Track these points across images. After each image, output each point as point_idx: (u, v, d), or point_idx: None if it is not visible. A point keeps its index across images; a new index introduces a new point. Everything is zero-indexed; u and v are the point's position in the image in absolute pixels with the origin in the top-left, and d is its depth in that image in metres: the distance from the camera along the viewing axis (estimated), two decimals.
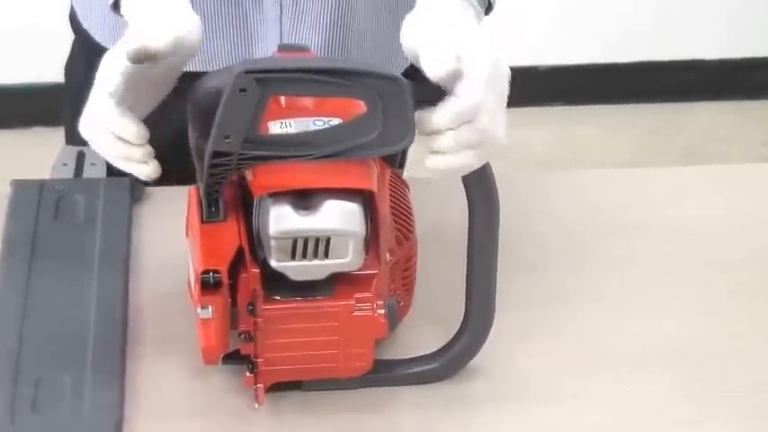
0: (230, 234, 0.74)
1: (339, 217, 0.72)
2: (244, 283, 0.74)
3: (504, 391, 0.81)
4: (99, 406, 0.77)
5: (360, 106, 0.70)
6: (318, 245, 0.73)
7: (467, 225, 0.76)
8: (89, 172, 0.99)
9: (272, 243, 0.73)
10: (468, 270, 0.78)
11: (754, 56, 2.50)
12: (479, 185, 0.74)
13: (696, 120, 2.49)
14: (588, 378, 0.83)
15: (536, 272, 0.86)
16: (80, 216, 0.93)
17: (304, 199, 0.73)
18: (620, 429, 0.79)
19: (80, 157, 0.99)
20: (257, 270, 0.74)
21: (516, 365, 0.83)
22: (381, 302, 0.76)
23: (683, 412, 0.80)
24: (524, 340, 0.85)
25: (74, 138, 1.10)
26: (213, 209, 0.75)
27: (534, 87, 2.29)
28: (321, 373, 0.78)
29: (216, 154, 0.70)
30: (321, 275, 0.74)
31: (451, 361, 0.81)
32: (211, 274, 0.72)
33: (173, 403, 0.80)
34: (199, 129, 0.73)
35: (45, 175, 0.99)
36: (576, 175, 1.11)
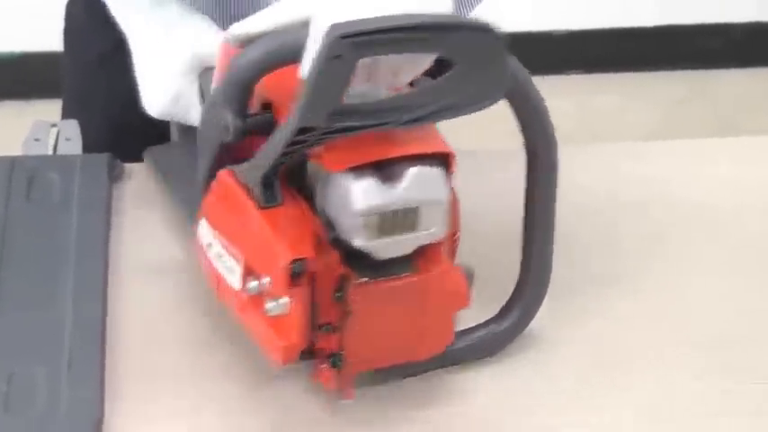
0: (299, 218, 0.71)
1: (426, 185, 0.70)
2: (326, 270, 0.71)
3: (533, 377, 0.80)
4: (76, 403, 0.74)
5: (448, 62, 0.66)
6: (407, 217, 0.70)
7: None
8: (63, 148, 0.96)
9: (360, 221, 0.69)
10: (526, 216, 0.77)
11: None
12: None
13: (725, 89, 2.47)
14: (616, 367, 0.81)
15: (558, 253, 0.84)
16: (55, 196, 0.91)
17: (383, 170, 0.69)
18: (658, 416, 0.78)
19: (54, 132, 0.98)
20: (337, 253, 0.70)
21: (544, 351, 0.82)
22: (461, 271, 0.74)
23: (715, 403, 0.78)
24: (551, 326, 0.83)
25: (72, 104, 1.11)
26: (269, 193, 0.72)
27: (550, 54, 2.27)
28: (402, 355, 0.75)
29: (299, 131, 0.67)
30: (409, 250, 0.71)
31: (516, 322, 0.80)
32: (297, 263, 0.69)
33: (157, 402, 0.78)
34: (236, 107, 0.71)
35: (17, 152, 0.97)
36: (600, 148, 1.09)
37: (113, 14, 0.92)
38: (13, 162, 0.94)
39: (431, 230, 0.71)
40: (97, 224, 0.89)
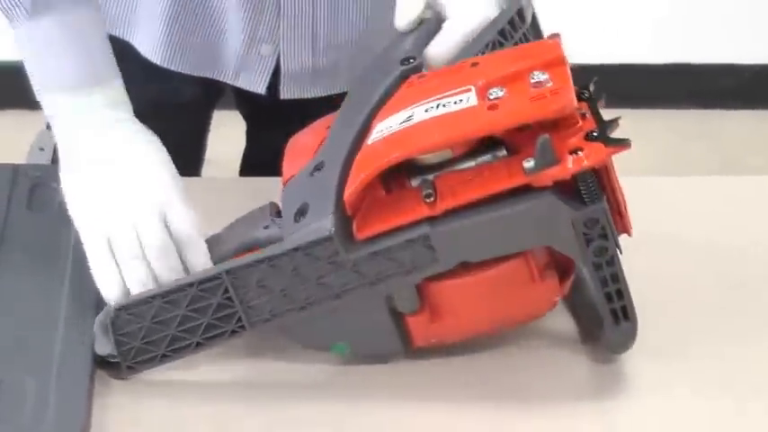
0: None
1: None
2: None
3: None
4: (64, 413, 0.75)
5: None
6: None
7: None
8: None
9: None
10: None
11: None
12: None
13: (732, 129, 2.47)
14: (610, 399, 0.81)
15: None
16: (55, 206, 0.91)
17: None
18: None
19: None
20: None
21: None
22: None
23: None
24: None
25: None
26: None
27: None
28: None
29: None
30: None
31: None
32: None
33: (145, 414, 0.78)
34: None
35: (21, 161, 0.98)
36: None
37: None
38: (16, 170, 0.95)
39: None
40: None
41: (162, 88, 1.03)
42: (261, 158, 0.97)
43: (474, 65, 0.80)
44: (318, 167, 0.80)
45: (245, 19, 0.99)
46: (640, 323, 0.79)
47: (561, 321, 0.85)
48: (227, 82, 1.04)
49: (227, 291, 0.77)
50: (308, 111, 0.90)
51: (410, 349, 0.81)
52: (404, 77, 0.82)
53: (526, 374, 0.82)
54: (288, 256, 0.76)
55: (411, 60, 0.82)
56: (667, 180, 1.08)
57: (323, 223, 0.75)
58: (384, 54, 0.86)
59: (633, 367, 0.82)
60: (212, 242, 0.83)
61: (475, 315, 0.80)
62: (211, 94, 1.12)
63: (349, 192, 0.75)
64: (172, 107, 1.05)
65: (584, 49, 2.37)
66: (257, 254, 0.77)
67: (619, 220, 0.78)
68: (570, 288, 0.82)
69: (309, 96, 1.04)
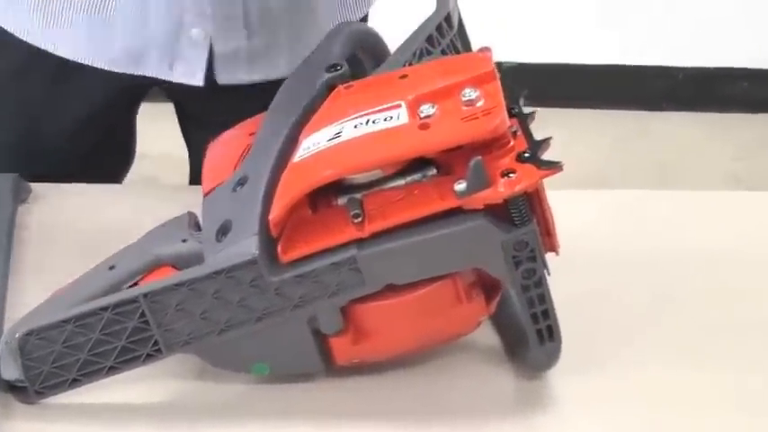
0: None
1: None
2: None
3: None
4: None
5: None
6: None
7: None
8: None
9: None
10: None
11: (720, 66, 2.50)
12: None
13: (665, 130, 2.49)
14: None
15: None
16: None
17: None
18: None
19: None
20: None
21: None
22: None
23: None
24: None
25: None
26: None
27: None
28: None
29: None
30: None
31: None
32: None
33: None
34: None
35: None
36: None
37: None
38: None
39: None
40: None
41: (72, 91, 1.00)
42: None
43: (403, 77, 0.78)
44: (242, 182, 0.77)
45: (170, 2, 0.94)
46: (566, 338, 0.78)
47: (487, 335, 0.84)
48: (161, 77, 1.00)
49: (143, 314, 0.75)
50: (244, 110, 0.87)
51: (332, 368, 0.79)
52: (330, 86, 0.79)
53: (450, 390, 0.81)
54: (209, 280, 0.74)
55: (337, 67, 0.80)
56: (599, 193, 1.07)
57: (247, 245, 0.73)
58: (310, 59, 0.83)
59: (559, 383, 0.82)
60: (126, 254, 0.79)
61: (399, 336, 0.78)
62: (131, 96, 1.08)
63: (275, 212, 0.73)
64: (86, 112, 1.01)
65: (520, 49, 2.39)
66: (176, 276, 0.75)
67: (547, 239, 0.77)
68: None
69: (247, 81, 1.00)
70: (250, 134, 0.81)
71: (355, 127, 0.74)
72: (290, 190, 0.73)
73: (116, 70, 0.99)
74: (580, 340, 0.80)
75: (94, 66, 0.99)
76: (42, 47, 0.98)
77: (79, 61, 0.98)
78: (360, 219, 0.73)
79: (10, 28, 0.98)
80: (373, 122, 0.74)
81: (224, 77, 0.99)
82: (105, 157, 1.00)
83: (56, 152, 0.90)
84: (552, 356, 0.78)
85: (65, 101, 0.99)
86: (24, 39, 0.96)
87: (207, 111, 1.05)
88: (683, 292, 0.90)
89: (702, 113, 2.51)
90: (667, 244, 0.95)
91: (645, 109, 2.51)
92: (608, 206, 1.00)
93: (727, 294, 0.90)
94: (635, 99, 2.51)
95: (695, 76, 2.51)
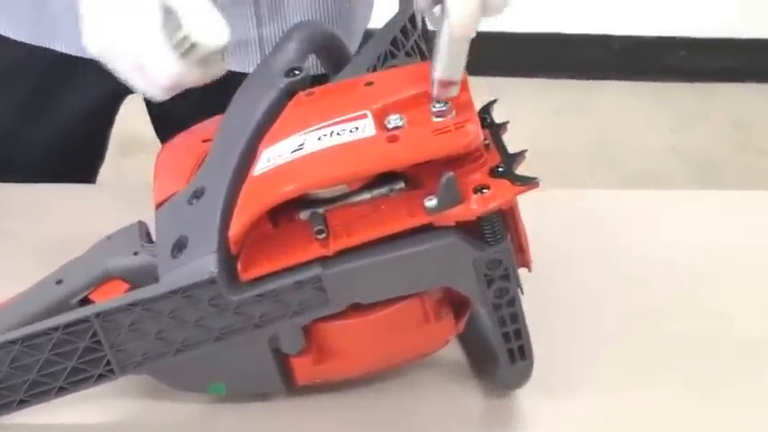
0: None
1: None
2: None
3: None
4: None
5: None
6: None
7: None
8: None
9: None
10: None
11: (662, 35, 2.50)
12: None
13: (603, 100, 2.48)
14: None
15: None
16: None
17: None
18: None
19: None
20: None
21: None
22: None
23: None
24: None
25: None
26: None
27: None
28: None
29: None
30: None
31: None
32: None
33: None
34: None
35: None
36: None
37: None
38: None
39: None
40: None
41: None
42: None
43: (368, 84, 0.74)
44: (197, 194, 0.73)
45: None
46: (537, 355, 0.76)
47: (454, 350, 0.82)
48: None
49: (95, 334, 0.71)
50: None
51: (292, 387, 0.76)
52: (290, 92, 0.76)
53: (417, 409, 0.78)
54: (165, 299, 0.70)
55: (296, 72, 0.76)
56: (561, 193, 1.04)
57: (205, 263, 0.69)
58: (267, 61, 0.79)
59: (527, 402, 0.79)
60: (74, 267, 0.76)
61: (364, 355, 0.75)
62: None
63: (234, 229, 0.69)
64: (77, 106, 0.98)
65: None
66: (130, 295, 0.71)
67: (520, 256, 0.74)
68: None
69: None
70: (204, 141, 0.77)
71: (319, 139, 0.71)
72: (251, 205, 0.70)
73: None
74: (551, 357, 0.78)
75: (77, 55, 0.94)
76: (37, 43, 0.94)
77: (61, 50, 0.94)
78: (324, 235, 0.70)
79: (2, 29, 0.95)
80: (338, 134, 0.71)
81: (235, 65, 0.94)
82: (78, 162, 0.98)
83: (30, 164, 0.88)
84: (523, 376, 0.76)
85: (48, 106, 0.98)
86: (17, 39, 0.93)
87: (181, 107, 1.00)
88: (655, 308, 0.88)
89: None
90: (638, 250, 0.93)
91: (585, 78, 2.51)
92: (583, 209, 0.97)
93: (702, 313, 0.87)
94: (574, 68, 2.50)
95: (634, 46, 2.50)
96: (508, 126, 0.75)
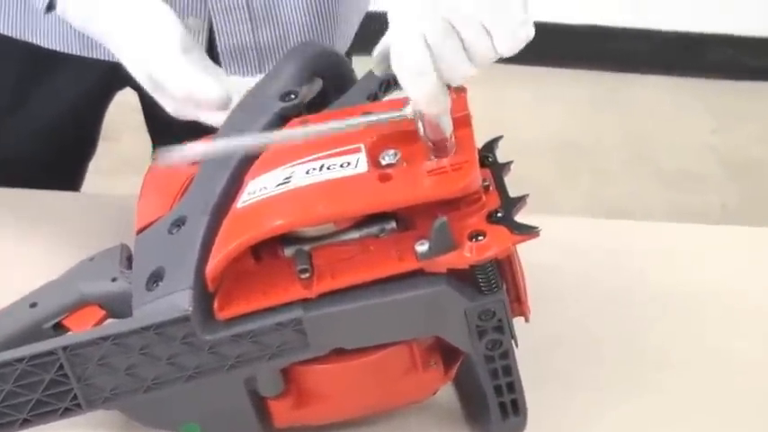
0: None
1: None
2: None
3: None
4: None
5: None
6: None
7: None
8: None
9: None
10: None
11: (705, 32, 2.43)
12: None
13: (640, 93, 2.42)
14: None
15: None
16: None
17: None
18: None
19: None
20: None
21: None
22: None
23: None
24: None
25: None
26: None
27: None
28: None
29: None
30: None
31: None
32: None
33: None
34: None
35: None
36: None
37: None
38: None
39: None
40: None
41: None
42: None
43: (366, 114, 0.69)
44: (178, 223, 0.70)
45: None
46: (531, 409, 0.71)
47: (445, 395, 0.77)
48: None
49: (61, 367, 0.67)
50: None
51: (270, 431, 0.72)
52: (284, 118, 0.71)
53: None
54: (136, 334, 0.66)
55: (292, 96, 0.72)
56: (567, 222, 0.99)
57: (179, 300, 0.66)
58: (263, 83, 0.75)
59: None
60: (49, 290, 0.72)
61: (346, 401, 0.71)
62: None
63: (212, 265, 0.66)
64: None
65: None
66: (100, 329, 0.68)
67: (517, 306, 0.70)
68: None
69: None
70: (193, 163, 0.73)
71: (307, 172, 0.67)
72: (231, 241, 0.66)
73: (91, 56, 0.91)
74: (546, 412, 0.74)
75: (67, 52, 0.91)
76: (21, 37, 0.91)
77: (52, 48, 0.91)
78: (307, 275, 0.66)
79: None
80: (328, 169, 0.66)
81: (231, 71, 0.90)
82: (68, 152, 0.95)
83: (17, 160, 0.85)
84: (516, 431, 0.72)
85: (33, 102, 0.95)
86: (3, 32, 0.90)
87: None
88: (661, 348, 0.83)
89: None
90: (642, 287, 0.88)
91: (623, 71, 2.44)
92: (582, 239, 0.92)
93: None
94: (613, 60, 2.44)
95: (677, 40, 2.44)
96: (511, 167, 0.70)
